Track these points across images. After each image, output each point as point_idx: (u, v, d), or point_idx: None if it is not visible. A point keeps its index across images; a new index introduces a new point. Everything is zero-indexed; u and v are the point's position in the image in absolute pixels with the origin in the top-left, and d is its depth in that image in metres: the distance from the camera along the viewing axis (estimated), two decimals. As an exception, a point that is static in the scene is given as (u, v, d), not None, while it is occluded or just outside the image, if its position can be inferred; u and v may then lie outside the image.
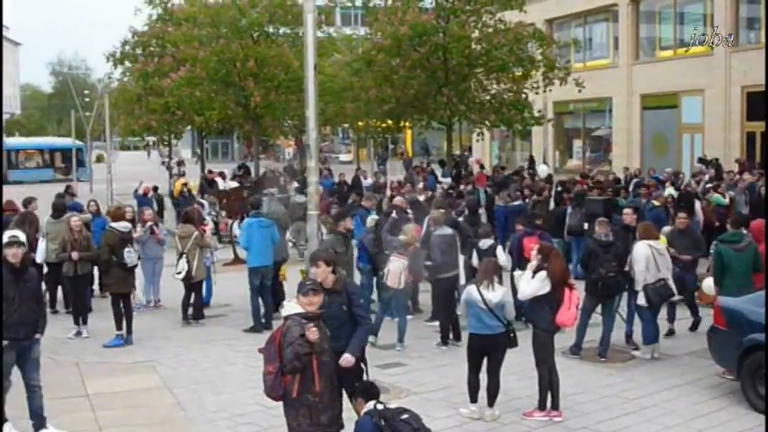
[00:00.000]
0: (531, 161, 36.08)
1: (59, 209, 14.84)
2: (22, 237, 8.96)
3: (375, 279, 13.46)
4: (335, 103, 30.99)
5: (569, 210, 17.66)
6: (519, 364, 10.07)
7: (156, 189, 26.57)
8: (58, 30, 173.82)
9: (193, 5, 29.65)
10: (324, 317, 6.93)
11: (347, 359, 7.17)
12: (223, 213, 23.46)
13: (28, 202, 15.52)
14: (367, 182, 27.41)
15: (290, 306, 6.85)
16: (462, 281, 12.08)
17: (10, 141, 54.17)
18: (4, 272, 8.40)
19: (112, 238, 12.83)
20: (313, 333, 6.45)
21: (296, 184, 25.34)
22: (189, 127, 40.32)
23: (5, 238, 8.65)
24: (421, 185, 22.75)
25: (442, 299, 12.42)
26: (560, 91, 29.18)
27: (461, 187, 23.53)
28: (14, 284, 8.41)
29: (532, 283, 9.23)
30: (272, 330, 7.20)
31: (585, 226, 16.23)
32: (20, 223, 12.94)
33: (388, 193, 22.00)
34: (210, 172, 31.95)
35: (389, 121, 33.48)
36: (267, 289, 13.60)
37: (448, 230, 12.56)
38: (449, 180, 27.32)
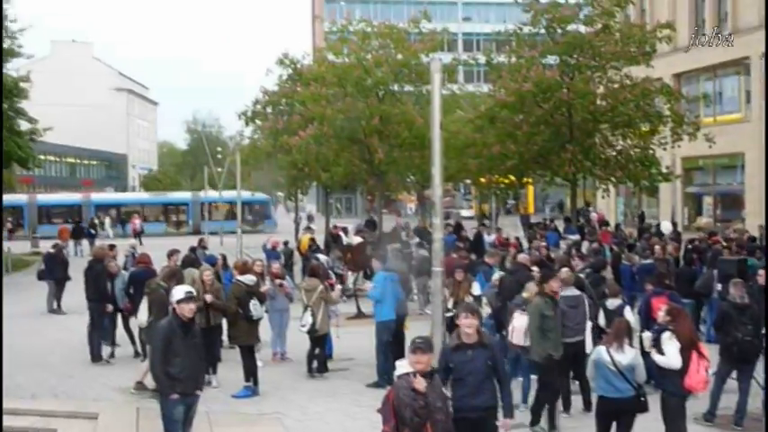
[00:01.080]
0: (642, 217, 35.18)
1: (189, 262, 15.47)
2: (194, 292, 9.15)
3: (498, 336, 13.31)
4: (458, 159, 31.13)
5: (700, 269, 17.08)
6: (649, 430, 9.74)
7: (285, 243, 27.28)
8: (194, 90, 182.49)
9: (321, 66, 30.53)
10: (466, 372, 6.96)
11: (506, 424, 7.20)
12: (341, 266, 23.79)
13: (171, 254, 16.28)
14: (490, 238, 27.30)
15: (402, 365, 6.92)
16: (589, 347, 11.33)
17: (203, 195, 58.10)
18: (175, 327, 8.55)
19: (239, 291, 13.25)
20: (419, 382, 6.48)
21: (417, 239, 25.53)
22: (315, 183, 41.24)
23: (181, 294, 8.74)
24: (543, 243, 22.48)
25: (563, 364, 12.09)
26: (689, 146, 28.45)
27: (586, 245, 23.14)
28: (183, 339, 8.54)
29: (675, 352, 8.99)
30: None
31: (719, 287, 15.64)
32: (169, 277, 13.23)
33: (512, 250, 21.83)
34: (335, 227, 32.55)
35: (512, 177, 33.36)
36: (390, 344, 13.66)
37: (575, 292, 12.06)
38: (576, 237, 26.90)
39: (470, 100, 36.60)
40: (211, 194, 48.93)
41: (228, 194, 48.16)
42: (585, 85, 26.52)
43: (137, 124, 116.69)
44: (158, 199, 60.51)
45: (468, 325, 7.63)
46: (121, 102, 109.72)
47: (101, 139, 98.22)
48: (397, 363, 7.32)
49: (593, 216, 36.17)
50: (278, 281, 15.23)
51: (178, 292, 8.84)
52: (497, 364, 7.56)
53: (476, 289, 13.41)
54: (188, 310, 8.58)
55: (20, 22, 35.38)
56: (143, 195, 66.37)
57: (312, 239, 27.10)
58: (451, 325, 11.45)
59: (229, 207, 56.49)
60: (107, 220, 54.71)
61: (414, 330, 13.34)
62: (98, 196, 63.14)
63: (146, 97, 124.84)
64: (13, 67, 37.73)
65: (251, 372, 13.02)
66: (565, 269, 13.11)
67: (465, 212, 67.97)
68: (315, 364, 14.15)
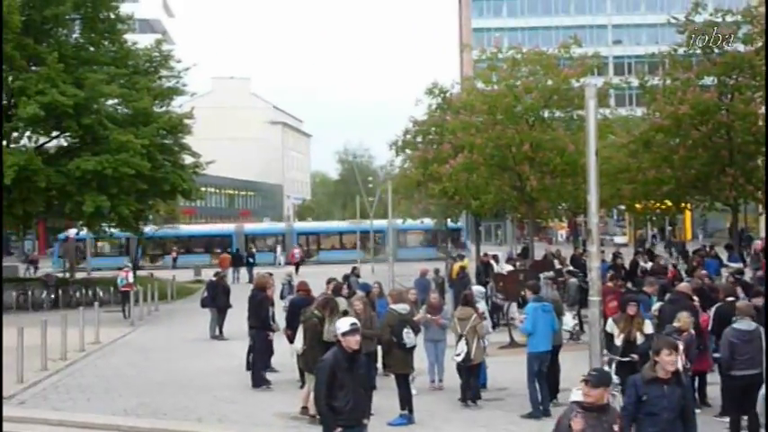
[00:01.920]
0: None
1: (339, 290, 15.92)
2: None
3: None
4: (611, 184, 30.48)
5: None
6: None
7: (436, 271, 27.40)
8: (345, 121, 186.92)
9: (471, 94, 30.68)
10: (661, 407, 6.87)
11: None
12: (499, 296, 23.65)
13: (329, 282, 16.79)
14: (646, 266, 26.49)
15: (576, 393, 6.85)
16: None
17: (399, 223, 60.01)
18: (341, 359, 8.49)
19: (392, 320, 13.44)
20: (577, 423, 6.39)
21: (570, 267, 25.09)
22: (465, 210, 41.32)
23: (346, 326, 8.62)
24: (704, 272, 21.57)
25: (731, 396, 11.58)
26: None
27: (750, 272, 22.08)
28: (349, 372, 8.48)
29: None
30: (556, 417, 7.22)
31: None
32: (323, 306, 13.56)
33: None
34: (485, 255, 32.44)
35: (668, 203, 32.33)
36: (544, 375, 13.49)
37: (751, 325, 11.39)
38: (739, 265, 25.72)
39: (623, 124, 35.80)
40: (410, 222, 48.49)
41: (409, 222, 48.12)
42: (746, 106, 25.52)
43: (291, 156, 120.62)
44: (355, 227, 61.69)
45: (670, 362, 7.50)
46: (277, 134, 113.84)
47: (257, 171, 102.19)
48: (574, 389, 7.25)
49: (757, 243, 34.40)
50: (429, 316, 15.20)
51: (343, 324, 8.73)
52: (689, 403, 7.45)
53: (648, 327, 12.86)
54: (354, 342, 8.50)
55: (184, 62, 37.54)
56: (341, 224, 67.18)
57: (462, 267, 27.13)
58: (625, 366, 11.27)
59: (425, 234, 57.78)
60: (278, 249, 56.56)
61: (570, 361, 13.14)
62: (300, 225, 67.22)
63: (299, 129, 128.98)
64: (177, 105, 39.97)
65: (406, 400, 13.15)
66: (744, 303, 12.49)
67: (618, 239, 66.23)
68: (469, 393, 14.13)
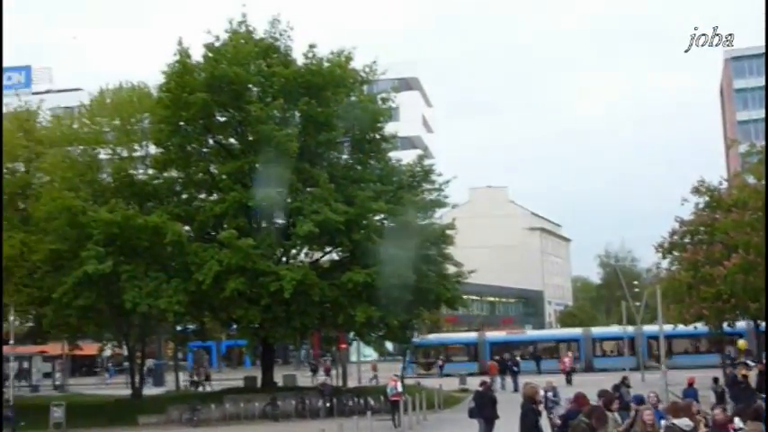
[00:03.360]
0: None
1: (609, 401, 15.20)
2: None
3: None
4: None
5: None
6: None
7: (715, 380, 25.65)
8: (606, 224, 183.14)
9: (742, 191, 29.14)
10: None
11: None
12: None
13: (600, 395, 16.20)
14: None
15: None
16: None
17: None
18: None
19: (674, 436, 12.63)
20: None
21: None
22: (743, 314, 38.55)
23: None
24: None
25: None
26: None
27: None
28: None
29: None
30: None
31: None
32: (589, 414, 13.13)
33: None
34: (771, 362, 29.92)
35: None
36: None
37: None
38: None
39: None
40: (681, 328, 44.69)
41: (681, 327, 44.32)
42: None
43: (551, 261, 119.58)
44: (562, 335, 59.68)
45: None
46: (535, 240, 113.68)
47: (517, 278, 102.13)
48: None
49: None
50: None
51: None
52: None
53: None
54: None
55: (444, 175, 38.83)
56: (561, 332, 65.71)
57: (744, 375, 25.17)
58: None
59: (697, 340, 53.27)
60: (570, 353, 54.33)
61: None
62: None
63: (558, 234, 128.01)
64: (438, 216, 41.26)
65: None
66: None
67: None
68: None
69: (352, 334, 39.15)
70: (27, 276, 34.79)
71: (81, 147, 37.22)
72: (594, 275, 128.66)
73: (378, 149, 37.74)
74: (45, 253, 33.38)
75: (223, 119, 36.11)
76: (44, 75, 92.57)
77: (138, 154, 37.92)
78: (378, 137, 37.50)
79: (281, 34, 36.44)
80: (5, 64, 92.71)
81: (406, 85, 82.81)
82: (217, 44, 34.99)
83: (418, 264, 33.97)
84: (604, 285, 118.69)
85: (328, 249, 37.04)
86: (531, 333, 65.39)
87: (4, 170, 37.40)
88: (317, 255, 37.15)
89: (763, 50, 42.86)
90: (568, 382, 40.57)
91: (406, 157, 41.60)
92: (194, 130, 35.69)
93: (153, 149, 37.62)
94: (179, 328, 42.21)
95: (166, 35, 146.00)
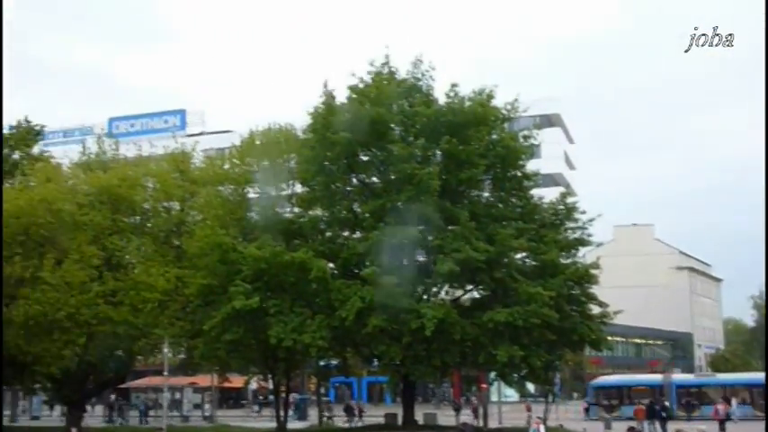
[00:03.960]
0: None
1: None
2: None
3: None
4: None
5: None
6: None
7: None
8: (760, 263, 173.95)
9: None
10: None
11: None
12: None
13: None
14: None
15: None
16: None
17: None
18: None
19: None
20: None
21: None
22: None
23: None
24: None
25: None
26: None
27: None
28: None
29: None
30: None
31: None
32: None
33: None
34: None
35: None
36: None
37: None
38: None
39: None
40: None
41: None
42: None
43: (700, 302, 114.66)
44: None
45: None
46: (683, 280, 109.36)
47: (663, 319, 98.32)
48: None
49: None
50: None
51: None
52: None
53: None
54: None
55: (587, 213, 37.95)
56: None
57: None
58: None
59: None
60: (734, 401, 51.62)
61: None
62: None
63: (708, 274, 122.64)
64: (581, 254, 40.35)
65: None
66: None
67: None
68: None
69: (493, 374, 38.69)
70: (180, 310, 36.24)
71: (232, 186, 38.73)
72: (748, 317, 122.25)
73: (519, 187, 37.45)
74: (197, 287, 34.75)
75: (366, 158, 36.82)
76: (197, 118, 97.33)
77: (284, 193, 39.10)
78: (519, 174, 37.23)
79: (423, 74, 37.00)
80: (163, 107, 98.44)
81: (548, 121, 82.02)
82: (360, 85, 35.82)
83: (561, 303, 33.39)
84: (759, 328, 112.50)
85: (469, 287, 36.91)
86: (720, 376, 61.96)
87: (161, 208, 39.40)
88: (458, 293, 37.07)
89: None
90: (722, 430, 38.62)
91: (547, 194, 41.04)
92: (338, 170, 36.53)
93: (299, 188, 38.73)
94: (322, 363, 42.87)
95: (312, 78, 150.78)
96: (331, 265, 35.42)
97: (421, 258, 36.28)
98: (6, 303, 35.02)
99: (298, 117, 39.20)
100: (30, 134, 45.09)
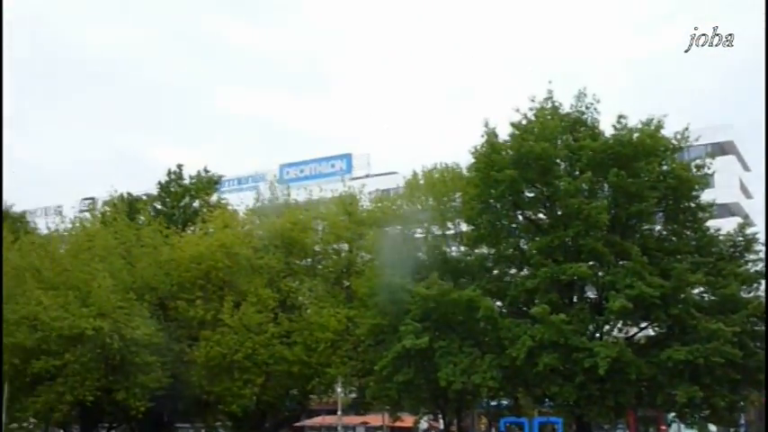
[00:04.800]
0: None
1: None
2: None
3: None
4: None
5: None
6: None
7: None
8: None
9: None
10: None
11: None
12: None
13: None
14: None
15: None
16: None
17: None
18: None
19: None
20: None
21: None
22: None
23: None
24: None
25: None
26: None
27: None
28: None
29: None
30: None
31: None
32: None
33: None
34: None
35: None
36: None
37: None
38: None
39: None
40: None
41: None
42: None
43: None
44: None
45: None
46: None
47: None
48: None
49: None
50: None
51: None
52: None
53: None
54: None
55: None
56: None
57: None
58: None
59: None
60: None
61: None
62: None
63: None
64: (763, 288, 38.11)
65: None
66: None
67: None
68: None
69: (671, 415, 37.04)
70: (352, 349, 37.02)
71: (398, 227, 39.37)
72: None
73: (694, 219, 35.91)
74: (367, 327, 35.41)
75: (531, 194, 36.45)
76: (363, 161, 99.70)
77: (450, 232, 39.32)
78: (693, 206, 35.73)
79: (587, 107, 36.37)
80: (333, 152, 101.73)
81: (721, 149, 78.51)
82: (524, 122, 35.66)
83: (745, 340, 31.61)
84: None
85: (644, 325, 35.60)
86: None
87: (331, 250, 40.56)
88: (632, 330, 35.84)
89: None
90: None
91: (723, 225, 39.13)
92: (503, 207, 36.34)
93: (464, 227, 38.83)
94: (493, 403, 42.46)
95: (474, 117, 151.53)
96: (498, 303, 35.16)
97: (592, 295, 35.40)
98: (189, 345, 36.99)
99: (461, 157, 39.52)
100: (210, 183, 47.77)
